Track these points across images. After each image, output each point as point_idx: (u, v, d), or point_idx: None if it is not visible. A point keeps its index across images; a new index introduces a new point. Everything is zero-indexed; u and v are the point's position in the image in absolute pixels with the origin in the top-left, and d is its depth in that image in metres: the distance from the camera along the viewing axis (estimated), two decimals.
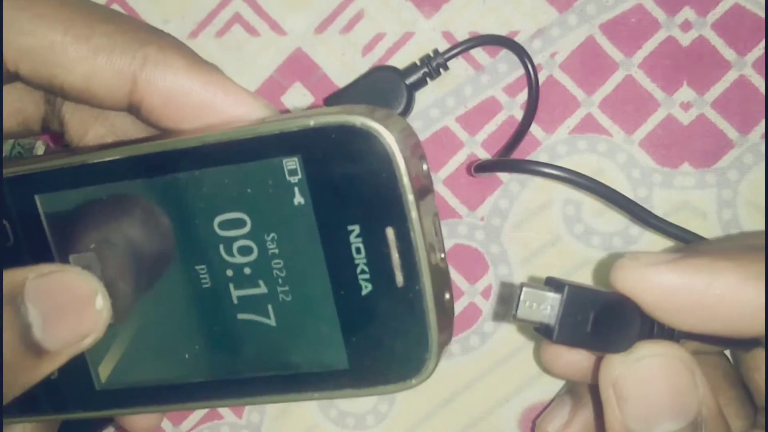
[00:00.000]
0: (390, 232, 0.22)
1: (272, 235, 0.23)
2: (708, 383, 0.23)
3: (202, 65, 0.24)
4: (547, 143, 0.35)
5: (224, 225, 0.24)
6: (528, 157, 0.35)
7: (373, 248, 0.23)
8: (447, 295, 0.23)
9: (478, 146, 0.35)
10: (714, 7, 0.34)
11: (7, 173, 0.25)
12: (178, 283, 0.25)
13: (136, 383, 0.26)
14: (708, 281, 0.22)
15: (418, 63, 0.34)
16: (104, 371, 0.26)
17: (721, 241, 0.29)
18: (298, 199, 0.23)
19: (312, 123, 0.22)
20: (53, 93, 0.25)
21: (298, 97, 0.35)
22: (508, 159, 0.33)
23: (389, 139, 0.21)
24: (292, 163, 0.22)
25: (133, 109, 0.24)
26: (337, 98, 0.34)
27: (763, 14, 0.34)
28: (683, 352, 0.23)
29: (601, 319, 0.23)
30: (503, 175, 0.35)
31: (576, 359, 0.27)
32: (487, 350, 0.36)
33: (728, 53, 0.34)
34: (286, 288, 0.24)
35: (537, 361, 0.35)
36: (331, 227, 0.23)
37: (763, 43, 0.34)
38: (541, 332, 0.24)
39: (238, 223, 0.24)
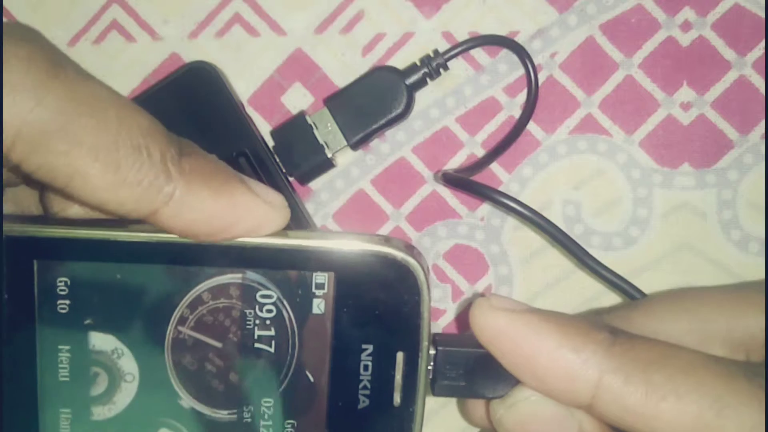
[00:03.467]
0: (400, 356, 0.25)
1: (290, 335, 0.25)
2: None
3: (225, 189, 0.23)
4: (547, 143, 0.35)
5: (248, 320, 0.25)
6: (528, 157, 0.35)
7: (381, 368, 0.25)
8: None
9: (478, 146, 0.35)
10: (714, 7, 0.34)
11: (12, 232, 0.24)
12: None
13: None
14: (529, 338, 0.24)
15: (418, 63, 0.34)
16: None
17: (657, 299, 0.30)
18: (320, 309, 0.25)
19: (351, 248, 0.24)
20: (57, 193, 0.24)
21: (298, 98, 0.35)
22: (469, 180, 0.33)
23: (421, 276, 0.24)
24: (321, 277, 0.24)
25: (143, 222, 0.24)
26: (337, 99, 0.34)
27: (763, 14, 0.34)
28: None
29: (476, 371, 0.25)
30: (503, 176, 0.35)
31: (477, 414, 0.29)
32: None
33: (728, 53, 0.34)
34: (286, 387, 0.25)
35: None
36: (345, 342, 0.25)
37: (763, 43, 0.34)
38: (430, 390, 0.26)
39: (263, 320, 0.25)
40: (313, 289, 0.25)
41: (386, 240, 0.25)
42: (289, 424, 0.25)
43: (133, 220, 0.23)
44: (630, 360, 0.23)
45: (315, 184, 0.35)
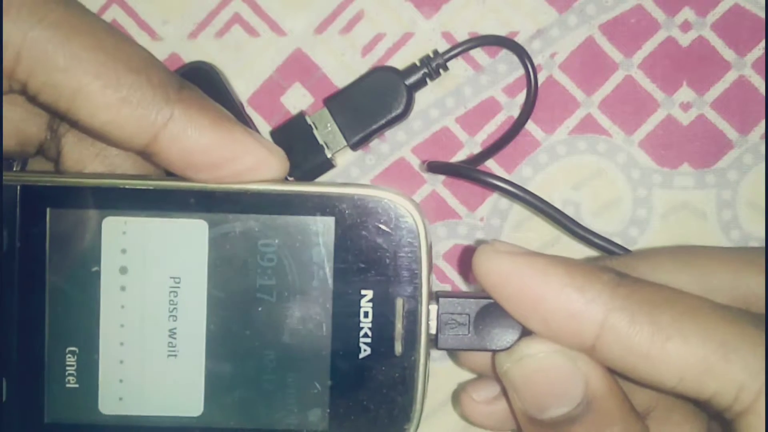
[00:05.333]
0: (399, 303, 0.25)
1: (291, 284, 0.25)
2: (599, 366, 0.24)
3: (224, 122, 0.24)
4: (547, 143, 0.35)
5: (250, 269, 0.25)
6: (528, 158, 0.35)
7: (381, 315, 0.25)
8: (429, 365, 0.26)
9: (477, 146, 0.35)
10: (714, 7, 0.34)
11: (26, 181, 0.25)
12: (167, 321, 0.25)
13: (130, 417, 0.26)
14: (534, 280, 0.23)
15: (418, 63, 0.34)
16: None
17: (649, 253, 0.30)
18: (320, 256, 0.25)
19: (352, 192, 0.25)
20: (64, 120, 0.25)
21: (297, 98, 0.35)
22: (456, 164, 0.34)
23: (420, 222, 0.25)
24: (322, 222, 0.25)
25: (145, 155, 0.24)
26: (336, 99, 0.34)
27: (762, 14, 0.34)
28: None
29: (481, 321, 0.25)
30: (503, 176, 0.35)
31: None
32: None
33: (728, 53, 0.34)
34: (288, 336, 0.25)
35: None
36: (345, 288, 0.25)
37: (762, 43, 0.34)
38: (434, 343, 0.26)
39: (265, 269, 0.25)
40: (313, 236, 0.25)
41: (383, 188, 0.25)
42: (291, 374, 0.25)
43: (136, 152, 0.24)
44: (636, 301, 0.23)
45: None
